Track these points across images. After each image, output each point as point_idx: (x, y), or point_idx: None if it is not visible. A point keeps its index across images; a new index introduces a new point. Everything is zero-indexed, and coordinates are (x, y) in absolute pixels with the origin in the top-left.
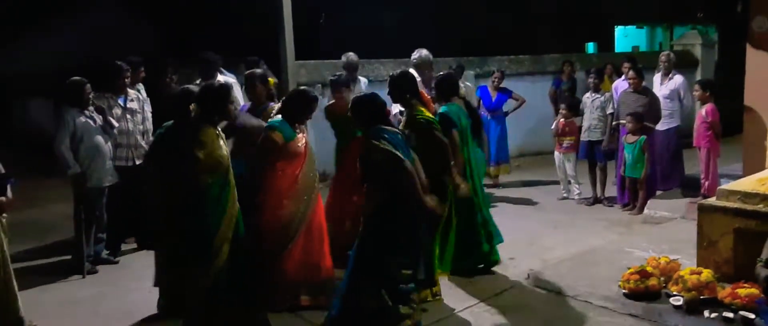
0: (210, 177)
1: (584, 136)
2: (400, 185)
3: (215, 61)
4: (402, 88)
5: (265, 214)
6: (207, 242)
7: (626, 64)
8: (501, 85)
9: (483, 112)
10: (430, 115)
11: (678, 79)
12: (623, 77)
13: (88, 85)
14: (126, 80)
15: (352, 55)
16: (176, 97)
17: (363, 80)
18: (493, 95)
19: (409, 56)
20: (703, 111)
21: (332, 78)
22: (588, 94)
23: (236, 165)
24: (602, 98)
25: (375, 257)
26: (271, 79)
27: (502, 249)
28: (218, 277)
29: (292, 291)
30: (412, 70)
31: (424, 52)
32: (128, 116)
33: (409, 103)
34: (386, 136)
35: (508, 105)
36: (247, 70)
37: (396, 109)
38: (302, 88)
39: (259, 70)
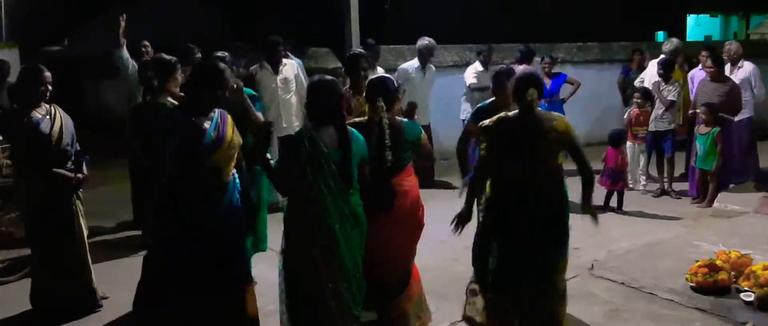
0: None
1: (651, 126)
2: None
3: (281, 44)
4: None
5: None
6: None
7: (704, 53)
8: (553, 71)
9: None
10: None
11: (748, 67)
12: (700, 66)
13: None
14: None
15: (429, 40)
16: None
17: (431, 67)
18: (548, 81)
19: (474, 42)
20: None
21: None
22: (659, 84)
23: None
24: (672, 88)
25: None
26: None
27: None
28: None
29: None
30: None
31: (676, 40)
32: None
33: None
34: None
35: (565, 90)
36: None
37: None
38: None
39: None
